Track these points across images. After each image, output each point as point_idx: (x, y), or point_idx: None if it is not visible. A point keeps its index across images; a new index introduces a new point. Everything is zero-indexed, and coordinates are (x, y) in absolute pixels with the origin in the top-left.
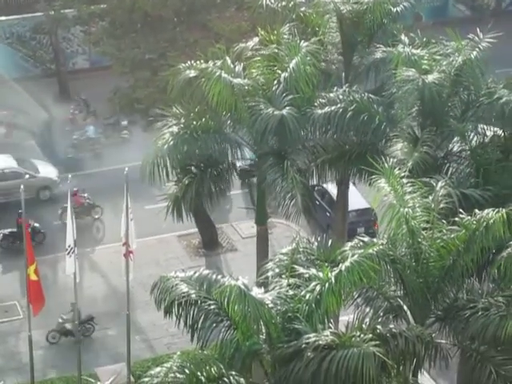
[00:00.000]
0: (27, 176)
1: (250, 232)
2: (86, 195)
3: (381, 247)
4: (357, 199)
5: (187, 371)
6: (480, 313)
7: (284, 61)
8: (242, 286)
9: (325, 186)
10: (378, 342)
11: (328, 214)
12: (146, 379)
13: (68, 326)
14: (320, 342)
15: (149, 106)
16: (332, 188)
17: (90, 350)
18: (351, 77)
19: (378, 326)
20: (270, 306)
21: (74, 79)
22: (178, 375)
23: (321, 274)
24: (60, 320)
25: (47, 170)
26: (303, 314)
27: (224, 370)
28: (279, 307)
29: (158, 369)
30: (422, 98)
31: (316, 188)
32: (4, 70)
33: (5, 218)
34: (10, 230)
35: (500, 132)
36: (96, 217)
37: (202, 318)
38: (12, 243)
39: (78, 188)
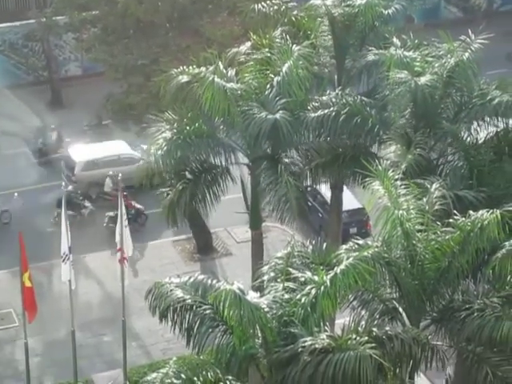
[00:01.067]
0: (141, 162)
1: (244, 236)
2: None
3: (376, 250)
4: (348, 200)
5: (183, 376)
6: (476, 314)
7: (276, 65)
8: (238, 291)
9: (317, 187)
10: (374, 345)
11: (320, 215)
12: None
13: None
14: (316, 346)
15: (142, 111)
16: (324, 189)
17: (86, 357)
18: (344, 80)
19: (374, 329)
20: (266, 310)
21: (67, 86)
22: (175, 381)
23: (316, 278)
24: None
25: None
26: (299, 317)
27: (220, 375)
28: (275, 311)
29: (154, 374)
30: (414, 100)
31: (308, 189)
32: None
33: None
34: (115, 211)
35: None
36: None
37: (198, 323)
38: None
39: None
